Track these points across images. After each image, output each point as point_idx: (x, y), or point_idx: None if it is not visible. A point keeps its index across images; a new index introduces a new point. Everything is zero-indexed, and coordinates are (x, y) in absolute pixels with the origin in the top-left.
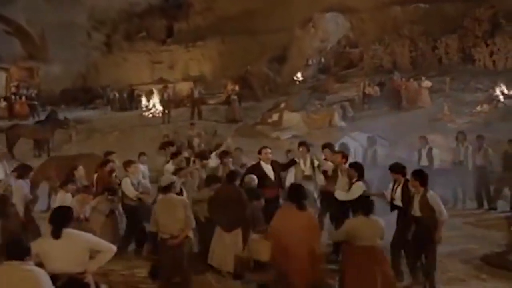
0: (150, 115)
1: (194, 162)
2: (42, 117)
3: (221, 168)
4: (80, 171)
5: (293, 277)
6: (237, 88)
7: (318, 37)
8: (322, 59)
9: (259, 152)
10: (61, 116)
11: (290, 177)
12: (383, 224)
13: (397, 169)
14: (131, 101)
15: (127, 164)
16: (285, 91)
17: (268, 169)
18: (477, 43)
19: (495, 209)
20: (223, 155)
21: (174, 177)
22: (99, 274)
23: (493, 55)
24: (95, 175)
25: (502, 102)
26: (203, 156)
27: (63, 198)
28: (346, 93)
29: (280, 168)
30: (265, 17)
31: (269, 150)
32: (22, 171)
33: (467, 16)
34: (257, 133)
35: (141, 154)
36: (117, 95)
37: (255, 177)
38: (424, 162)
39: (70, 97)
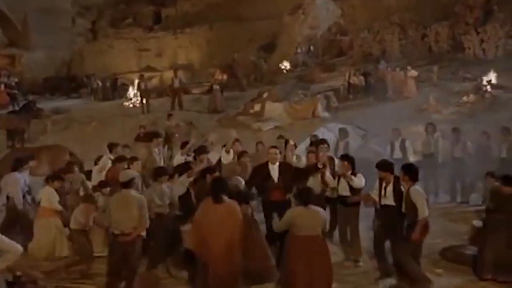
0: (131, 105)
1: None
2: None
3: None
4: (32, 164)
5: (213, 266)
6: (225, 77)
7: (308, 24)
8: (311, 47)
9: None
10: (43, 105)
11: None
12: (324, 215)
13: (384, 166)
14: (114, 90)
15: (131, 161)
16: (271, 80)
17: (273, 170)
18: (468, 30)
19: (468, 202)
20: (199, 152)
21: (135, 173)
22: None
23: (483, 43)
24: (106, 172)
25: (489, 92)
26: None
27: (49, 192)
28: (333, 82)
29: (293, 171)
30: (254, 3)
31: (276, 151)
32: (16, 163)
33: (459, 2)
34: (239, 124)
35: (125, 146)
36: (100, 84)
37: (241, 179)
38: (397, 154)
39: (53, 85)
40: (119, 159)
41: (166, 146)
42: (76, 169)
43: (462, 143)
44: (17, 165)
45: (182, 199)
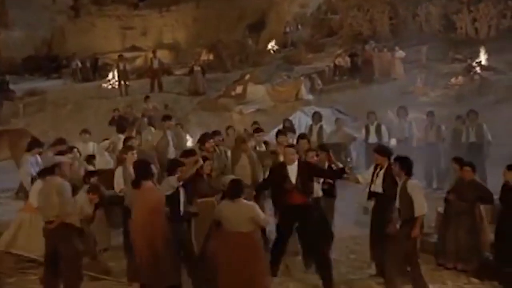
0: (109, 87)
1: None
2: None
3: None
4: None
5: (136, 254)
6: (211, 57)
7: (298, 2)
8: (299, 27)
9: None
10: (20, 86)
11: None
12: (255, 210)
13: (383, 151)
14: (94, 71)
15: (125, 150)
16: (257, 61)
17: (291, 170)
18: (461, 9)
19: (443, 189)
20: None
21: (60, 158)
22: None
23: (475, 22)
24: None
25: (478, 73)
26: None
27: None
28: (320, 63)
29: (315, 173)
30: None
31: (293, 150)
32: (29, 145)
33: None
34: (220, 106)
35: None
36: (79, 64)
37: (233, 177)
38: (373, 139)
39: (33, 65)
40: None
41: (135, 130)
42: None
43: (437, 127)
44: (30, 146)
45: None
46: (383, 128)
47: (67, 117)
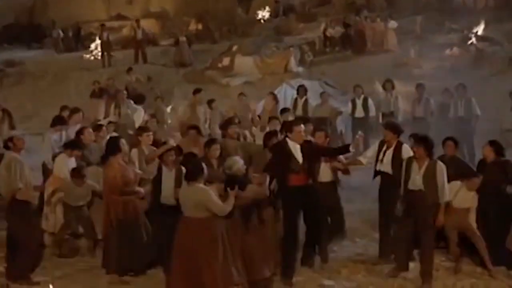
0: (92, 58)
1: None
2: None
3: None
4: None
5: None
6: (200, 27)
7: None
8: None
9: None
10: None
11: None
12: (207, 195)
13: (394, 128)
14: (77, 41)
15: (140, 132)
16: (246, 32)
17: (296, 149)
18: None
19: None
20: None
21: (13, 132)
22: None
23: None
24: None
25: (474, 44)
26: None
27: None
28: (311, 34)
29: (321, 150)
30: None
31: (303, 128)
32: (53, 120)
33: None
34: (207, 79)
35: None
36: (61, 33)
37: (238, 159)
38: (360, 113)
39: (13, 34)
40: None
41: (114, 104)
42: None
43: (425, 101)
44: (53, 122)
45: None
46: (370, 102)
47: (47, 90)
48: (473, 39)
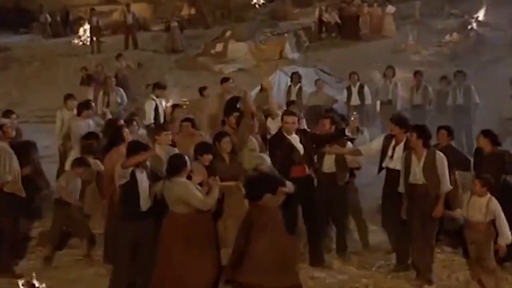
0: (81, 43)
1: None
2: None
3: None
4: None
5: None
6: (193, 11)
7: None
8: None
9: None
10: None
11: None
12: (186, 189)
13: (401, 122)
14: (65, 25)
15: (158, 131)
16: (240, 16)
17: (295, 140)
18: None
19: None
20: None
21: (3, 120)
22: None
23: None
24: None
25: (474, 30)
26: None
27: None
28: (307, 19)
29: (315, 138)
30: None
31: (294, 118)
32: (78, 108)
33: None
34: (199, 65)
35: None
36: (49, 18)
37: (265, 156)
38: (355, 101)
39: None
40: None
41: (102, 91)
42: None
43: (423, 88)
44: (79, 109)
45: None
46: (366, 89)
47: (33, 76)
48: (474, 24)
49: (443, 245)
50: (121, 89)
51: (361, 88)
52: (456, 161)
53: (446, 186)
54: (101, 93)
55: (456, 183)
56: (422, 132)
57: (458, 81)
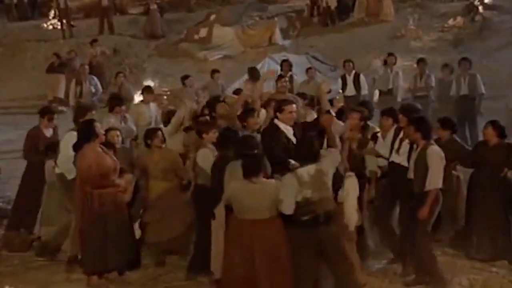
0: (51, 27)
1: None
2: None
3: None
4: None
5: None
6: None
7: None
8: None
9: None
10: None
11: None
12: (275, 189)
13: (408, 112)
14: (33, 8)
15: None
16: None
17: (289, 132)
18: None
19: None
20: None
21: None
22: None
23: None
24: None
25: (480, 13)
26: None
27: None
28: (298, 1)
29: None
30: None
31: (295, 107)
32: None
33: None
34: (181, 52)
35: None
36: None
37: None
38: (350, 91)
39: None
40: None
41: (74, 81)
42: None
43: (426, 77)
44: (110, 107)
45: None
46: (362, 78)
47: None
48: (480, 8)
49: (444, 247)
50: (95, 78)
51: (356, 77)
52: (460, 157)
53: (434, 184)
54: (73, 82)
55: (458, 179)
56: (420, 124)
57: (462, 70)
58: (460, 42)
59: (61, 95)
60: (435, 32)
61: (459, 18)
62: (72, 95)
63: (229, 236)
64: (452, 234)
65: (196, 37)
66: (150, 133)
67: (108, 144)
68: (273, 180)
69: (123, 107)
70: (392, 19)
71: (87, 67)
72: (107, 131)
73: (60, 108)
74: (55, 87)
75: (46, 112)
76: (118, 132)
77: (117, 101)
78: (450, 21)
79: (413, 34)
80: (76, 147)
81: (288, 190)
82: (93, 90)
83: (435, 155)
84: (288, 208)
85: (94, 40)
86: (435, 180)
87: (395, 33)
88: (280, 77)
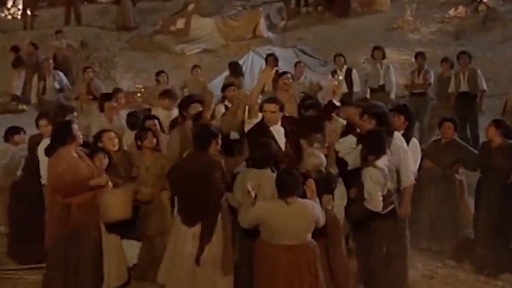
0: (10, 17)
1: None
2: None
3: None
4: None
5: None
6: None
7: None
8: None
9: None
10: None
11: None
12: (315, 211)
13: (405, 111)
14: None
15: None
16: None
17: (278, 132)
18: None
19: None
20: None
21: None
22: None
23: None
24: None
25: (484, 3)
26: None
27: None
28: None
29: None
30: None
31: (275, 107)
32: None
33: None
34: (156, 45)
35: None
36: None
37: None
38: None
39: None
40: None
41: (37, 75)
42: None
43: (424, 73)
44: (100, 106)
45: None
46: (355, 74)
47: None
48: None
49: (446, 259)
50: (60, 73)
51: (348, 72)
52: (463, 159)
53: (406, 180)
54: (35, 77)
55: (462, 184)
56: (403, 113)
57: (462, 64)
58: (462, 34)
59: (18, 91)
60: (435, 23)
61: (461, 8)
62: (34, 91)
63: (262, 265)
64: (454, 244)
65: (172, 28)
66: (141, 134)
67: (103, 151)
68: (308, 200)
69: (114, 103)
70: (387, 9)
71: (51, 61)
72: (100, 134)
73: (20, 107)
74: (13, 82)
75: None
76: (112, 134)
77: (105, 96)
78: (451, 11)
79: (411, 25)
80: (49, 151)
81: (377, 186)
82: (57, 86)
83: (412, 148)
84: (378, 205)
85: (59, 31)
86: (408, 177)
87: (391, 24)
88: (283, 74)
